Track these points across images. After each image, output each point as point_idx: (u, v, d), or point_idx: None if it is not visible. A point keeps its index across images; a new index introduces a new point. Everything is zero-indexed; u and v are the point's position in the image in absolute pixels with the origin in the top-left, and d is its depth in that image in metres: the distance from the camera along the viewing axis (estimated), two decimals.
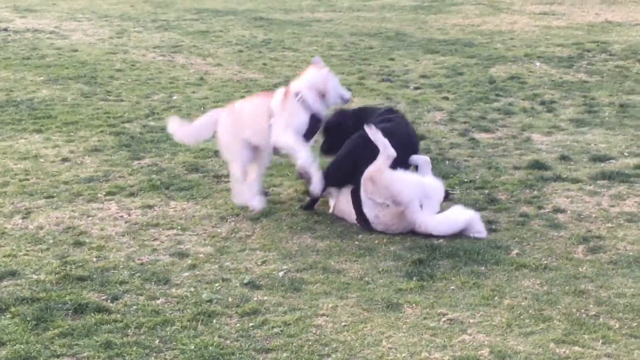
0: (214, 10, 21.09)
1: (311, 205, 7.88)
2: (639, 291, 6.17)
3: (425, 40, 16.63)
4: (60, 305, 5.93)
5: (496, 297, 6.10)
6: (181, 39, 17.01)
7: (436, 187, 7.42)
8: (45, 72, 13.84)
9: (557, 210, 7.77)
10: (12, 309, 5.87)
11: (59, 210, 7.80)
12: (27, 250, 6.94)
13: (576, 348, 5.42)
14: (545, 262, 6.69)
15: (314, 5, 21.81)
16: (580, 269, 6.56)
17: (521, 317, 5.82)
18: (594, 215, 7.65)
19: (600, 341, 5.50)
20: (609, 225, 7.44)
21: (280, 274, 6.48)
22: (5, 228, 7.40)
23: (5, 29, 18.13)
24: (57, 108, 11.45)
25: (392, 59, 14.78)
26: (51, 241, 7.13)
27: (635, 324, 5.71)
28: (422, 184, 7.27)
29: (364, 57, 14.98)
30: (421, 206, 7.13)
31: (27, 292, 6.14)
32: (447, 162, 9.15)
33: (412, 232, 7.12)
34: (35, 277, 6.43)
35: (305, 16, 19.98)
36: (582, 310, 5.90)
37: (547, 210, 7.76)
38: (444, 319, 5.80)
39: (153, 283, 6.33)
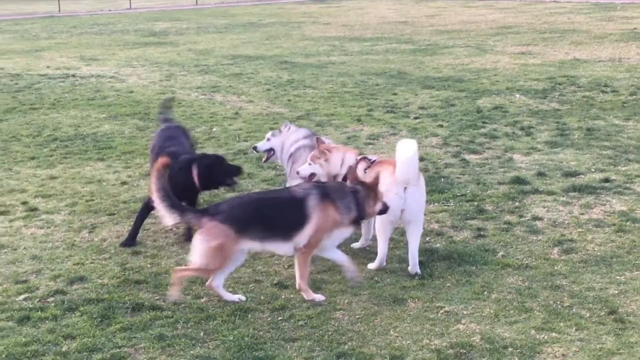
0: (247, 56, 21.15)
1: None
2: (605, 285, 6.14)
3: (422, 77, 16.61)
4: (121, 305, 5.95)
5: (485, 292, 6.07)
6: (219, 81, 17.06)
7: None
8: (107, 110, 13.91)
9: (536, 218, 7.73)
10: (81, 308, 5.90)
11: (119, 225, 7.83)
12: (93, 259, 6.96)
13: (553, 334, 5.40)
14: (526, 262, 6.65)
15: (330, 50, 21.82)
16: (555, 267, 6.53)
17: (506, 308, 5.80)
18: (566, 222, 7.61)
19: (574, 328, 5.48)
20: (580, 230, 7.39)
21: None
22: (75, 241, 7.44)
23: (74, 75, 18.25)
24: (116, 140, 11.51)
25: (395, 94, 14.77)
26: (113, 251, 7.15)
27: (603, 313, 5.68)
28: None
29: (371, 93, 14.98)
30: None
31: (93, 294, 6.17)
32: (442, 179, 9.12)
33: None
34: (99, 281, 6.46)
35: (322, 59, 20.00)
36: (558, 302, 5.87)
37: (527, 218, 7.73)
38: (441, 311, 5.78)
39: (198, 285, 6.33)
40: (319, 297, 6.02)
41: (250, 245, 5.90)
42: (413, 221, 6.36)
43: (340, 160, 7.00)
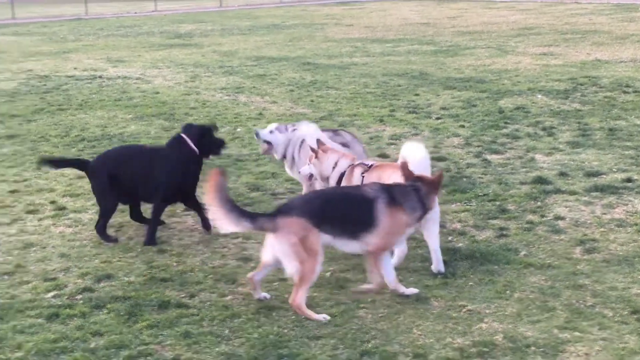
0: (270, 57, 21.17)
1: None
2: (628, 285, 6.10)
3: (444, 78, 16.56)
4: (147, 302, 5.98)
5: (508, 291, 6.04)
6: (243, 82, 17.09)
7: None
8: (133, 111, 13.98)
9: (558, 217, 7.69)
10: (108, 306, 5.94)
11: (145, 225, 7.85)
12: (120, 257, 7.00)
13: (576, 333, 5.36)
14: (549, 261, 6.62)
15: (352, 52, 21.80)
16: (578, 266, 6.49)
17: (529, 307, 5.77)
18: (589, 222, 7.56)
19: (597, 327, 5.44)
20: (602, 229, 7.34)
21: (328, 274, 6.47)
22: (102, 240, 7.48)
23: (101, 77, 18.36)
24: (142, 140, 11.54)
25: (417, 95, 14.73)
26: (139, 249, 7.19)
27: (625, 312, 5.64)
28: None
29: (393, 94, 14.95)
30: None
31: (120, 292, 6.20)
32: (465, 179, 9.09)
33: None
34: (126, 279, 6.49)
35: (344, 61, 19.98)
36: (581, 302, 5.83)
37: (549, 218, 7.69)
38: (464, 310, 5.76)
39: (223, 283, 6.36)
40: (411, 290, 6.01)
41: (325, 239, 5.75)
42: (430, 219, 6.32)
43: (332, 163, 6.98)
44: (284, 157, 8.08)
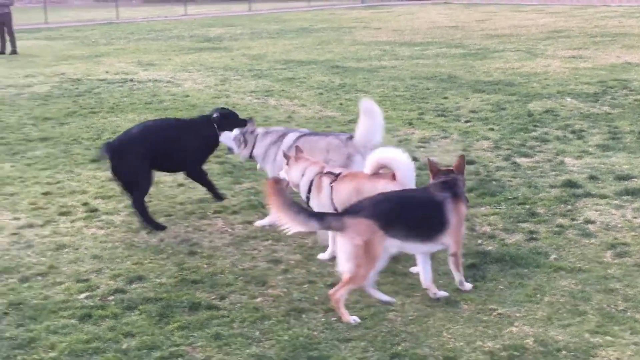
0: (299, 60, 21.20)
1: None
2: None
3: (473, 81, 16.48)
4: (178, 304, 5.99)
5: (538, 295, 5.98)
6: (272, 85, 17.12)
7: None
8: (163, 114, 14.01)
9: (588, 221, 7.61)
10: (140, 307, 5.95)
11: (176, 226, 7.88)
12: (151, 259, 7.02)
13: (608, 338, 5.30)
14: (579, 265, 6.55)
15: (381, 55, 21.77)
16: (609, 270, 6.41)
17: (560, 311, 5.71)
18: (619, 226, 7.47)
19: (629, 332, 5.37)
20: (633, 233, 7.25)
21: None
22: (134, 241, 7.51)
23: (131, 80, 18.47)
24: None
25: (445, 98, 14.67)
26: (170, 251, 7.21)
27: None
28: None
29: (422, 97, 14.90)
30: None
31: (152, 293, 6.21)
32: (494, 182, 9.03)
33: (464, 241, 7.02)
34: (158, 280, 6.50)
35: (373, 64, 19.96)
36: (612, 306, 5.76)
37: (579, 222, 7.61)
38: (494, 313, 5.71)
39: (253, 285, 6.35)
40: (442, 293, 6.04)
41: (392, 243, 5.72)
42: None
43: (301, 171, 6.92)
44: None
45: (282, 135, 7.90)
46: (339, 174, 6.72)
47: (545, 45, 22.46)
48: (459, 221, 5.89)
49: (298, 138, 7.75)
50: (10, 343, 5.45)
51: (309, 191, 6.84)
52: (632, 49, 20.49)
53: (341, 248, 5.66)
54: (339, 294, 5.68)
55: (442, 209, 5.80)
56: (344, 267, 5.65)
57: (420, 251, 5.97)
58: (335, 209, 6.53)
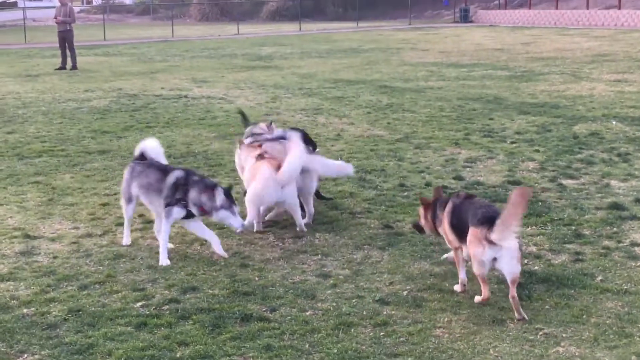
0: (348, 80, 21.26)
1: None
2: None
3: (518, 103, 16.37)
4: (230, 315, 6.02)
5: (584, 316, 5.90)
6: (322, 103, 17.18)
7: None
8: (217, 129, 14.16)
9: (634, 244, 7.49)
10: (194, 317, 5.99)
11: (228, 239, 7.92)
12: (204, 270, 7.06)
13: None
14: (626, 287, 6.44)
15: (428, 76, 21.75)
16: None
17: (606, 333, 5.62)
18: None
19: None
20: None
21: (405, 292, 6.42)
22: (187, 252, 7.57)
23: (186, 96, 18.66)
24: (225, 158, 11.67)
25: (491, 119, 14.59)
26: (223, 263, 7.25)
27: None
28: None
29: (468, 117, 14.83)
30: None
31: (205, 304, 6.25)
32: (540, 203, 8.93)
33: None
34: (210, 291, 6.54)
35: (420, 84, 19.94)
36: None
37: (625, 244, 7.50)
38: (540, 333, 5.65)
39: (303, 298, 6.36)
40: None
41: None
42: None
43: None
44: None
45: None
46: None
47: (590, 68, 22.24)
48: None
49: None
50: (69, 348, 5.53)
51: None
52: None
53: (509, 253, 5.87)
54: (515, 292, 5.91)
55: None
56: (518, 269, 5.89)
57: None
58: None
